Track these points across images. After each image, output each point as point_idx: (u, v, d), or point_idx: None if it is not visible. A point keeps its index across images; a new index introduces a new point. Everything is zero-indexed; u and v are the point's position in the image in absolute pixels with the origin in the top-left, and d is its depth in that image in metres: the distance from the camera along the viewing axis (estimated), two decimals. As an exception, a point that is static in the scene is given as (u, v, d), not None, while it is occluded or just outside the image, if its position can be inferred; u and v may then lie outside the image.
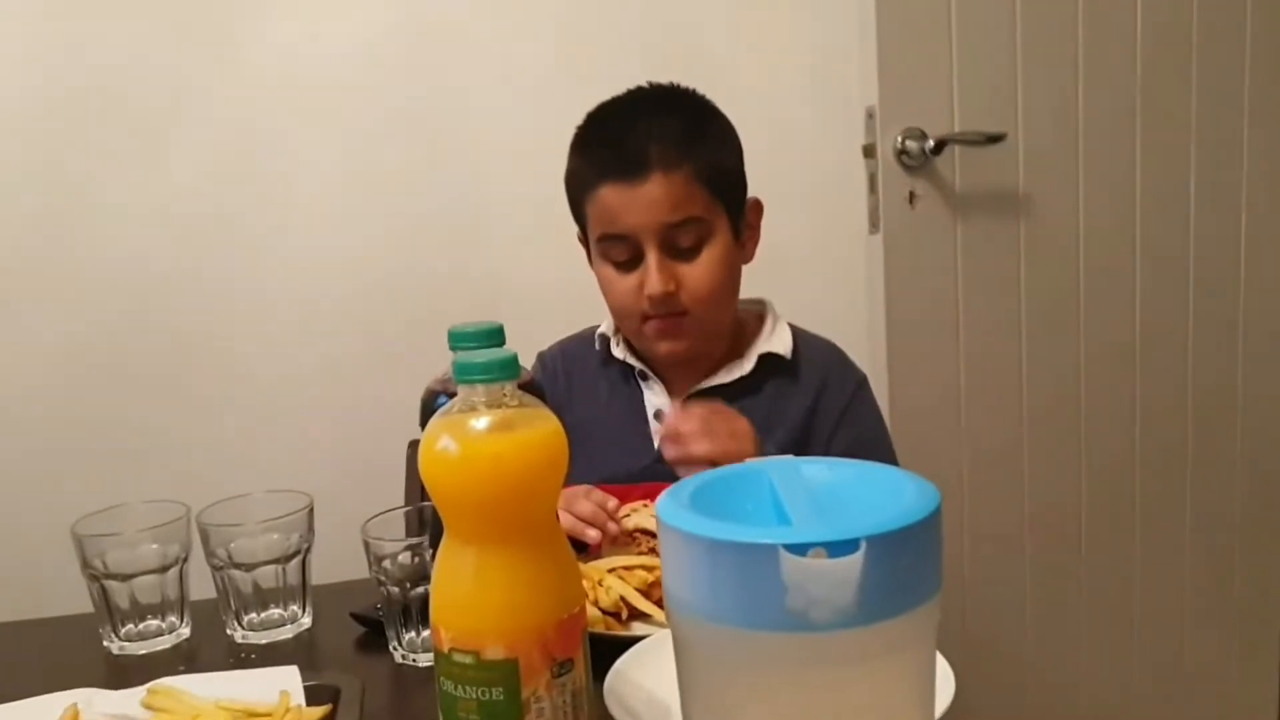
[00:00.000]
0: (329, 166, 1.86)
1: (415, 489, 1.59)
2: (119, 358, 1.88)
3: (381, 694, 0.94)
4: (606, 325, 1.39)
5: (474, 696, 0.72)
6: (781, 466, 0.64)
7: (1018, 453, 2.12)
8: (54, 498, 1.84)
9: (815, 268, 2.00)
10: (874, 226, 1.99)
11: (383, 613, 1.02)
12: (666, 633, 0.95)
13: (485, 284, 1.93)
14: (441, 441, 0.73)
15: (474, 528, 0.73)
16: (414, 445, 1.61)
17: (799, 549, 0.53)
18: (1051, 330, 2.11)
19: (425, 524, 1.03)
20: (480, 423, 0.73)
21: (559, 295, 1.70)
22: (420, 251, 1.92)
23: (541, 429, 0.74)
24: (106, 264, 1.84)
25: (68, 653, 1.07)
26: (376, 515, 1.02)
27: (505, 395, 0.74)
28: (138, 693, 0.87)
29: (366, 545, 1.00)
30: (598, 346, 1.39)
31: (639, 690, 0.83)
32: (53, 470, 1.91)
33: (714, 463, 1.09)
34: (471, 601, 0.73)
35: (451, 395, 0.87)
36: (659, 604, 1.01)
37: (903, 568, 0.56)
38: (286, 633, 1.06)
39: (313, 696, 0.88)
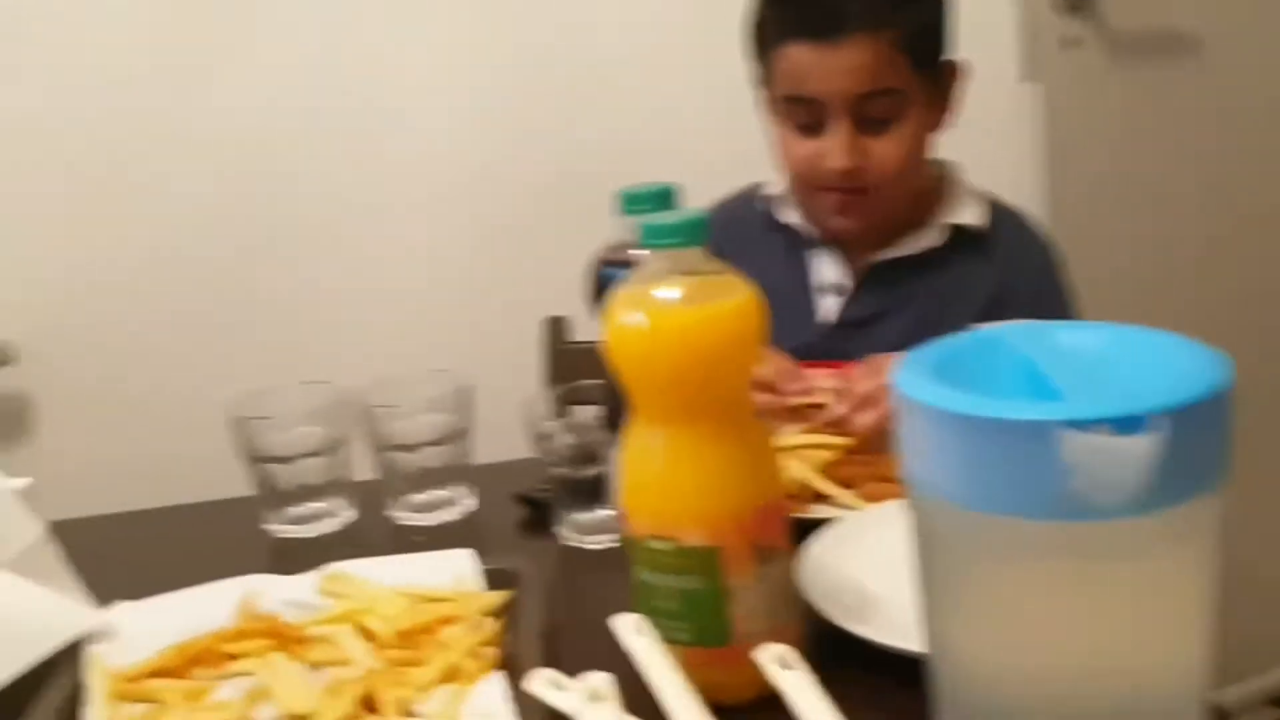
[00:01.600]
0: (458, 27, 1.80)
1: (555, 366, 1.55)
2: (258, 237, 1.88)
3: (551, 578, 0.89)
4: (773, 186, 1.29)
5: (674, 585, 0.67)
6: (1031, 333, 0.56)
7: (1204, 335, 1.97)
8: (203, 379, 1.86)
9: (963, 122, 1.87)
10: (1028, 74, 1.83)
11: (549, 494, 0.98)
12: (861, 516, 0.91)
13: (607, 148, 1.85)
14: (629, 315, 0.67)
15: (666, 407, 0.68)
16: (553, 321, 1.56)
17: (1083, 425, 0.46)
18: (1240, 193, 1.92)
19: (592, 403, 0.98)
20: (671, 293, 0.66)
21: (694, 156, 1.61)
22: (542, 116, 1.85)
23: (738, 297, 0.67)
24: (239, 137, 1.83)
25: (231, 538, 1.06)
26: (538, 394, 0.98)
27: (696, 262, 0.67)
28: (311, 578, 0.85)
29: (530, 425, 0.96)
30: (760, 209, 1.30)
31: (841, 580, 0.78)
32: (201, 350, 1.93)
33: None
34: (666, 486, 0.67)
35: (623, 265, 0.81)
36: (843, 485, 0.95)
37: (1195, 447, 0.48)
38: (450, 514, 1.03)
39: (489, 581, 0.84)
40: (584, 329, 1.57)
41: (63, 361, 1.95)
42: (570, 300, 1.61)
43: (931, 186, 1.24)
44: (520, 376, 1.52)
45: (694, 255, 0.67)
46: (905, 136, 1.14)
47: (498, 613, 0.80)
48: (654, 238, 0.66)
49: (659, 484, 0.67)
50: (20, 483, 0.91)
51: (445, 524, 1.03)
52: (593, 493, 0.95)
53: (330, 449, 1.03)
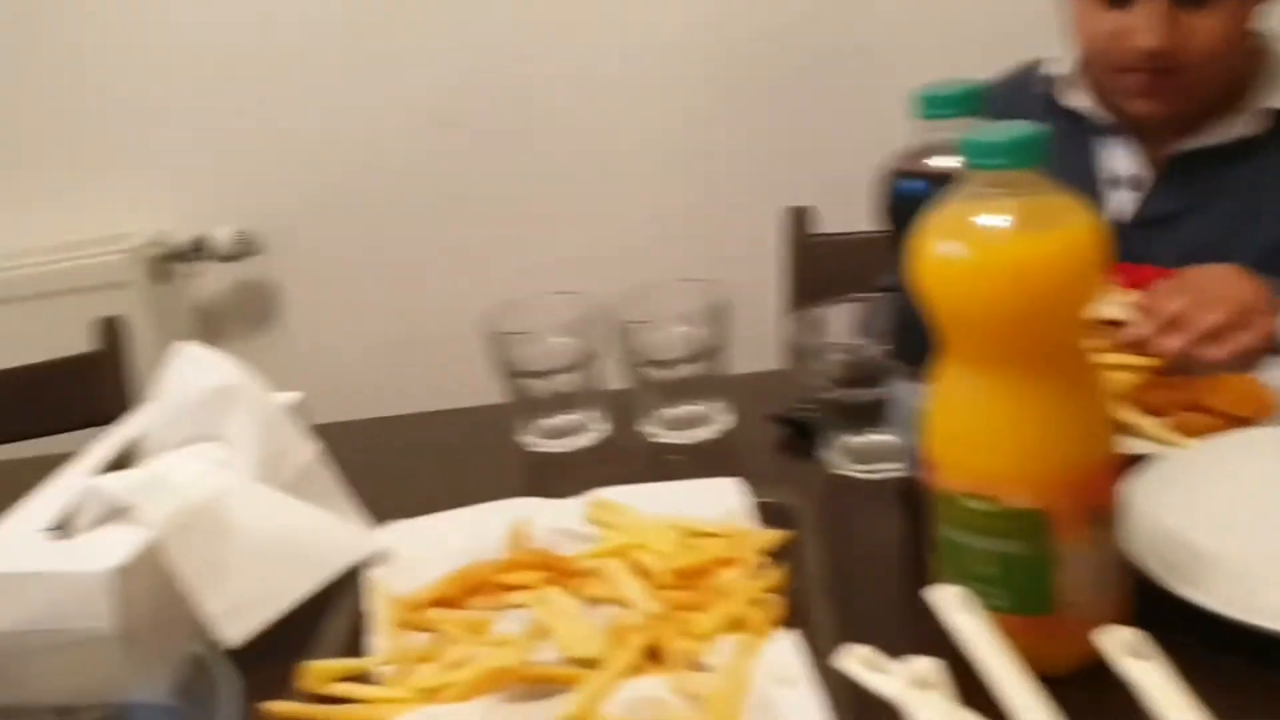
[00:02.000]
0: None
1: (799, 261, 1.47)
2: (507, 135, 1.86)
3: (825, 512, 0.83)
4: (1056, 64, 1.15)
5: (992, 549, 0.60)
6: None
7: None
8: (451, 286, 1.88)
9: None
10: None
11: (812, 415, 0.92)
12: (1185, 455, 0.79)
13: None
14: (946, 244, 0.59)
15: (990, 350, 0.60)
16: (795, 213, 1.48)
17: None
18: None
19: (864, 318, 0.91)
20: (999, 219, 0.58)
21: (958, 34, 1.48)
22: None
23: (1076, 223, 0.58)
24: (484, 32, 1.80)
25: (484, 448, 1.05)
26: (801, 308, 0.91)
27: (1024, 180, 0.58)
28: (577, 505, 0.82)
29: (794, 340, 0.89)
30: (1039, 91, 1.16)
31: (1166, 533, 0.69)
32: (443, 256, 1.95)
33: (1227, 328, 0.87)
34: (987, 439, 0.60)
35: (923, 178, 0.72)
36: (1154, 413, 0.85)
37: None
38: (706, 432, 0.99)
39: (761, 516, 0.80)
40: (827, 221, 1.49)
41: (308, 252, 2.01)
42: (811, 192, 1.54)
43: (1247, 64, 1.08)
44: (762, 274, 1.46)
45: (1027, 177, 0.58)
46: (1230, 14, 0.99)
47: (775, 553, 0.75)
48: (983, 157, 0.58)
49: (978, 436, 0.60)
50: (291, 398, 0.91)
51: (701, 442, 0.98)
52: (866, 415, 0.88)
53: (583, 362, 1.00)
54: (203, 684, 0.65)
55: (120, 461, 0.83)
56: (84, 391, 1.44)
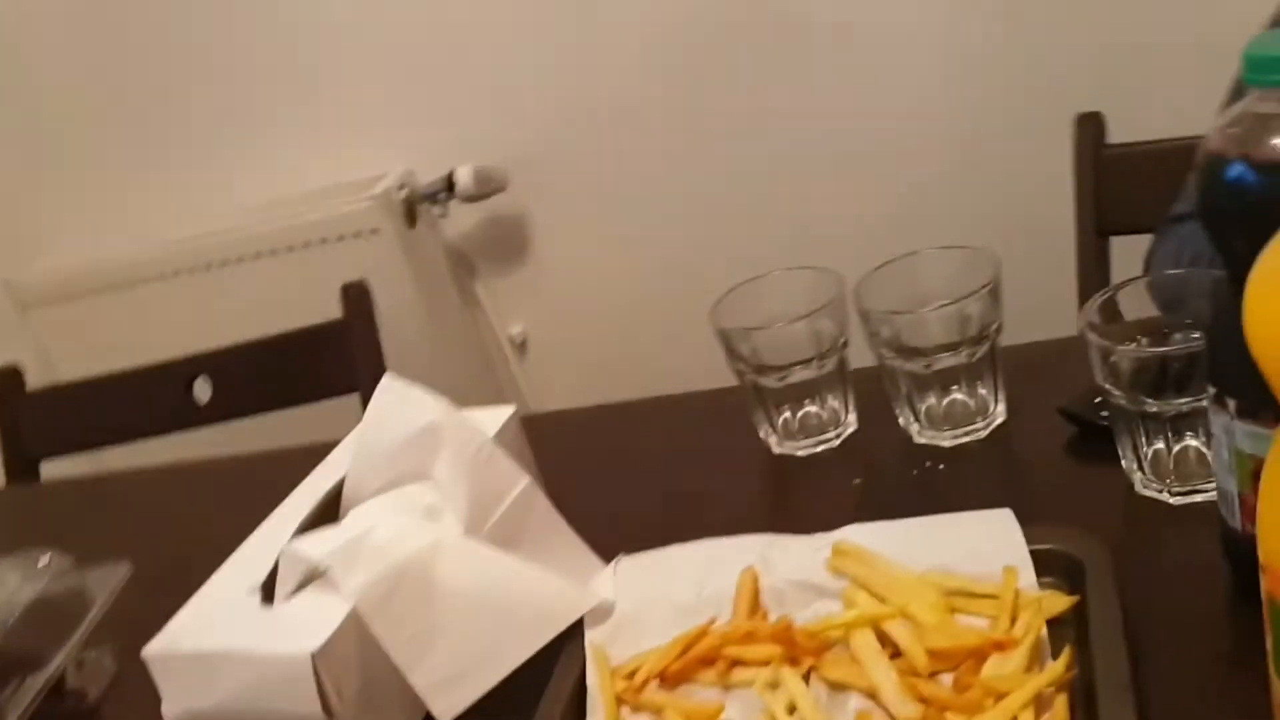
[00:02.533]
0: None
1: (1095, 175, 1.26)
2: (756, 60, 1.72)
3: (1114, 550, 0.66)
4: None
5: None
6: None
7: None
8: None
9: None
10: None
11: (1105, 418, 0.76)
12: None
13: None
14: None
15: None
16: (1086, 119, 1.26)
17: None
18: None
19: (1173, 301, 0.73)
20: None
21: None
22: None
23: None
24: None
25: (722, 443, 0.94)
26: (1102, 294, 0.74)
27: None
28: (821, 548, 0.71)
29: (1088, 337, 0.73)
30: None
31: None
32: (692, 182, 1.85)
33: None
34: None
35: (1256, 164, 0.54)
36: None
37: None
38: (977, 432, 0.84)
39: (1040, 565, 0.66)
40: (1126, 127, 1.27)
41: (553, 187, 1.95)
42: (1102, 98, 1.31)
43: None
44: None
45: None
46: None
47: (1060, 621, 0.62)
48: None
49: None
50: (504, 414, 0.84)
51: (967, 444, 0.84)
52: (1180, 422, 0.71)
53: (826, 353, 0.87)
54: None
55: (328, 507, 0.79)
56: (336, 358, 1.45)
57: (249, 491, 0.95)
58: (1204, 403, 0.62)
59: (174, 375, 1.49)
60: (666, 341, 1.87)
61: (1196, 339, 0.67)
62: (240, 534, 0.80)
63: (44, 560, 0.85)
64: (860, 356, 0.89)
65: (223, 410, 1.49)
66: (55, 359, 2.07)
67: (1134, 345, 0.72)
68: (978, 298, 0.81)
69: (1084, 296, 1.23)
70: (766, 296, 0.89)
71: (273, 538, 0.77)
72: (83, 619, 0.82)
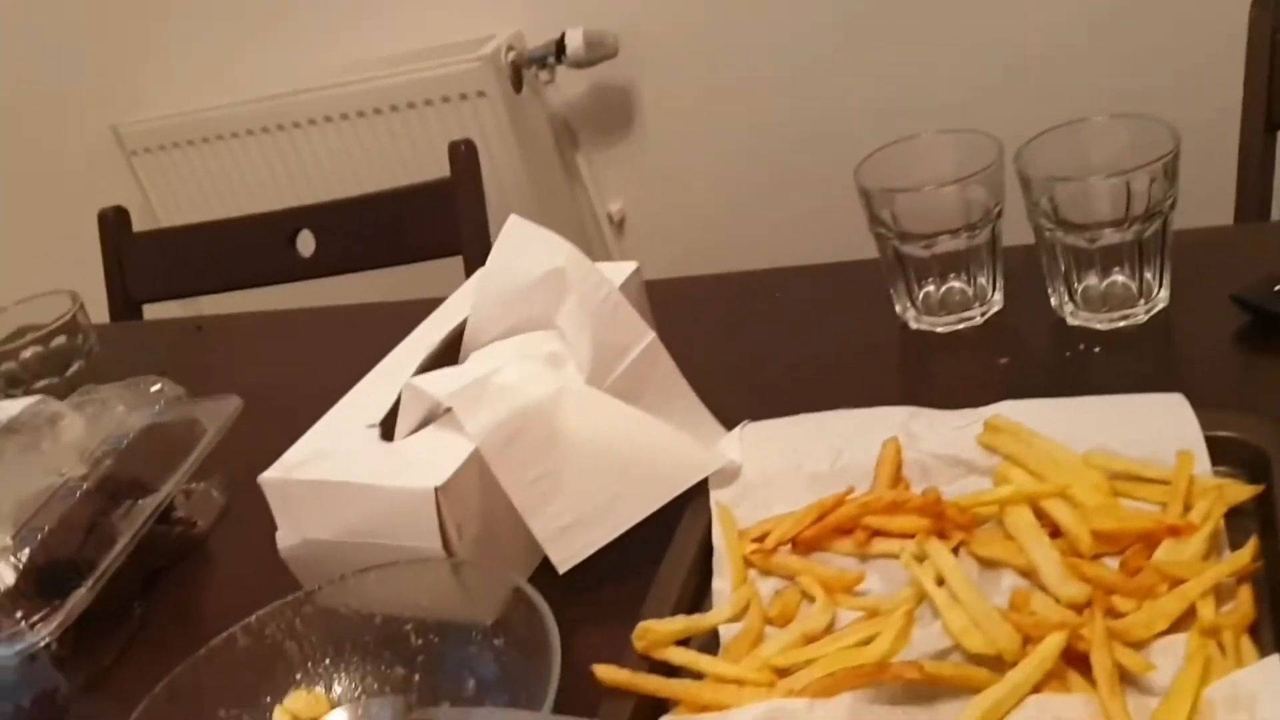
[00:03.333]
0: None
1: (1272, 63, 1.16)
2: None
3: None
4: None
5: None
6: None
7: None
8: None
9: None
10: None
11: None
12: None
13: None
14: None
15: None
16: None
17: None
18: None
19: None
20: None
21: None
22: None
23: None
24: None
25: (855, 319, 0.89)
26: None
27: None
28: (971, 423, 0.67)
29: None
30: None
31: None
32: (812, 58, 1.76)
33: None
34: None
35: None
36: None
37: None
38: (1135, 314, 0.78)
39: (1215, 453, 0.61)
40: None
41: (664, 57, 1.88)
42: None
43: None
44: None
45: None
46: None
47: (1239, 514, 0.57)
48: None
49: None
50: (627, 268, 0.80)
51: (1124, 328, 0.78)
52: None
53: (977, 224, 0.81)
54: (526, 622, 0.58)
55: (450, 346, 0.76)
56: (440, 218, 1.41)
57: (356, 339, 0.93)
58: None
59: (277, 226, 1.47)
60: (774, 229, 1.81)
61: None
62: (349, 379, 0.78)
63: (156, 387, 0.84)
64: (1011, 233, 0.83)
65: (324, 265, 1.47)
66: (157, 207, 2.07)
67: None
68: (1151, 170, 0.75)
69: (1242, 193, 1.15)
70: (916, 159, 0.83)
71: (391, 376, 0.75)
72: (194, 448, 0.81)
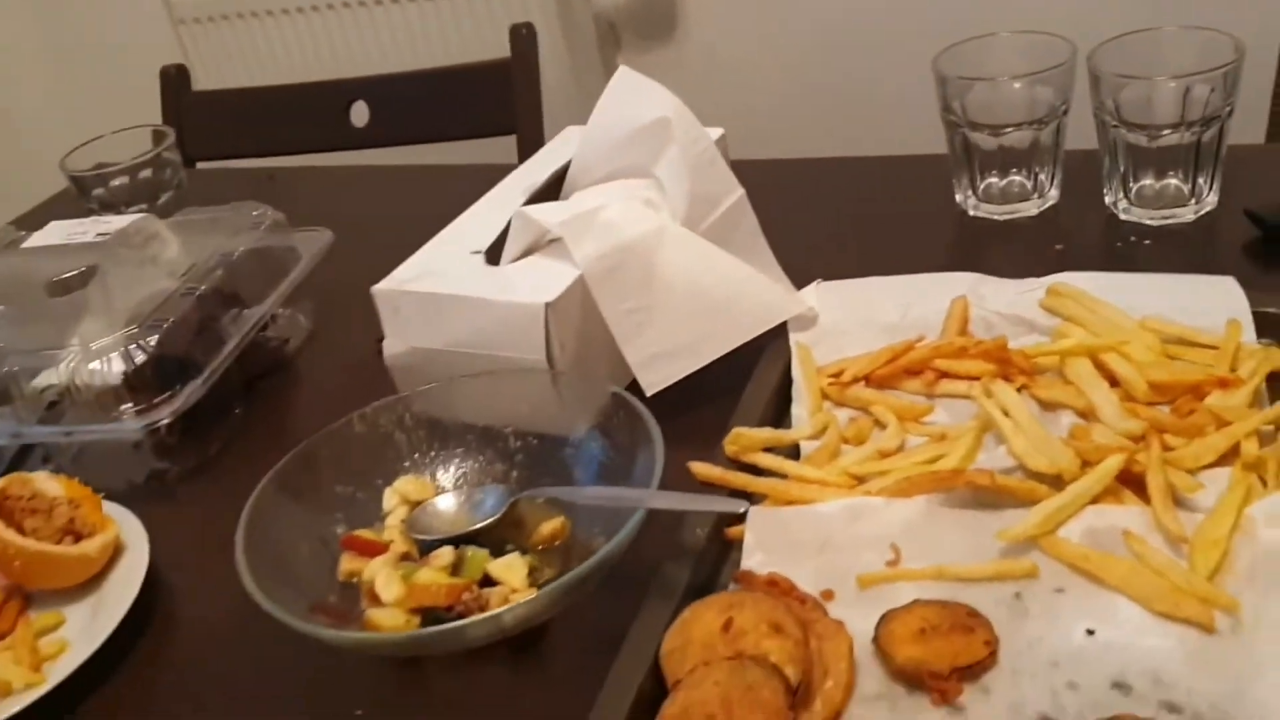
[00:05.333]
0: None
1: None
2: None
3: None
4: None
5: None
6: None
7: None
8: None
9: None
10: None
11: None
12: None
13: None
14: None
15: None
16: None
17: None
18: None
19: None
20: None
21: None
22: None
23: None
24: None
25: (919, 205, 0.95)
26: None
27: None
28: (1034, 289, 0.72)
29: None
30: None
31: None
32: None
33: None
34: None
35: None
36: None
37: None
38: (1183, 214, 0.84)
39: (1265, 327, 0.67)
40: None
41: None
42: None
43: None
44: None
45: None
46: None
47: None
48: None
49: None
50: (715, 133, 0.85)
51: (1169, 225, 0.84)
52: None
53: (1044, 119, 0.86)
54: (626, 426, 0.63)
55: (551, 188, 0.81)
56: (495, 98, 1.45)
57: (427, 195, 0.97)
58: None
59: (333, 95, 1.51)
60: (812, 140, 1.84)
61: None
62: (429, 225, 0.82)
63: (257, 212, 0.89)
64: (1074, 138, 0.88)
65: (378, 135, 1.50)
66: (203, 80, 2.09)
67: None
68: (1211, 78, 0.80)
69: (1276, 120, 1.20)
70: (990, 56, 0.88)
71: (493, 211, 0.80)
72: (291, 269, 0.86)
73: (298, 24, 2.01)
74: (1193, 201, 0.84)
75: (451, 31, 1.93)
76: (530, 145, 1.33)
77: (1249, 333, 0.66)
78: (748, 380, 0.71)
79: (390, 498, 0.66)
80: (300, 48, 2.03)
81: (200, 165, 1.54)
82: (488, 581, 0.60)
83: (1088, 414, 0.63)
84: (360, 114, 1.51)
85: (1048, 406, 0.64)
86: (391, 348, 0.74)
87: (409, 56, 1.96)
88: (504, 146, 1.41)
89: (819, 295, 0.77)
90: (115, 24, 2.07)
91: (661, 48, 2.01)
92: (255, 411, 0.84)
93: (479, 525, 0.63)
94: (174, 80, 1.52)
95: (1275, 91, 1.20)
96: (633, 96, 0.79)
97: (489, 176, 0.88)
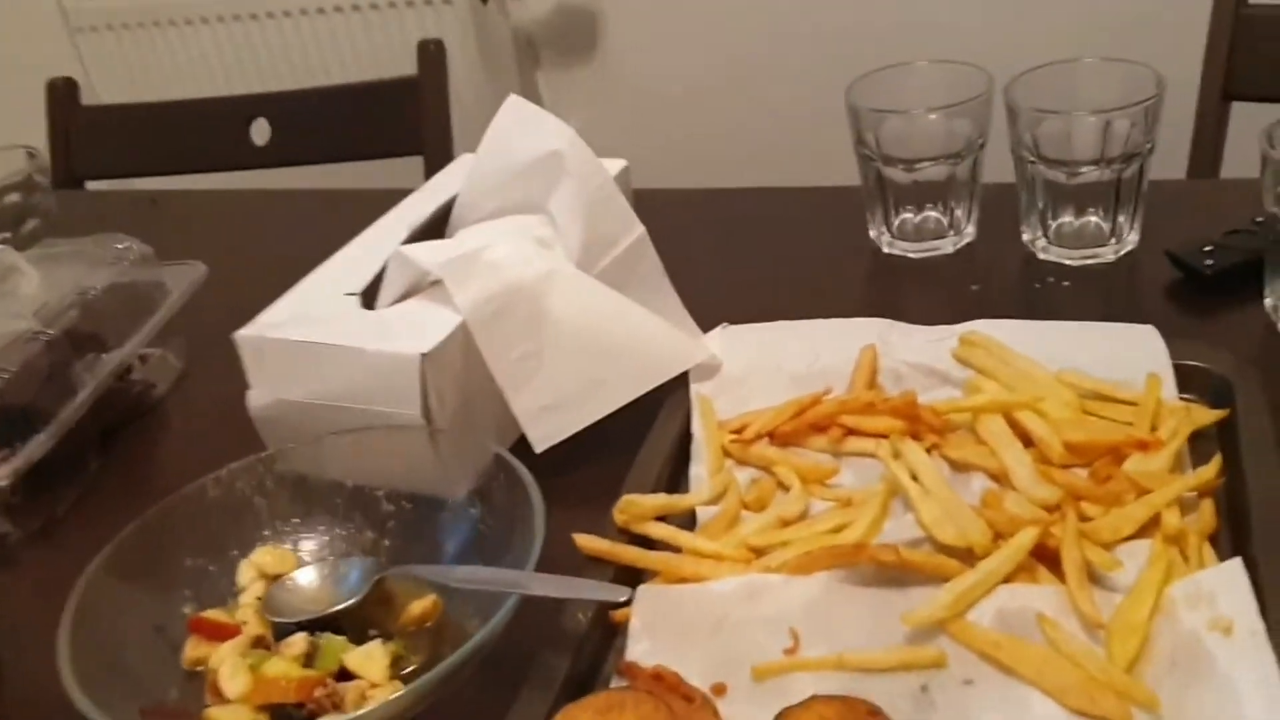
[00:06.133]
0: None
1: (1233, 35, 1.19)
2: None
3: (1261, 377, 0.64)
4: None
5: None
6: None
7: None
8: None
9: None
10: None
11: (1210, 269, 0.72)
12: None
13: None
14: None
15: None
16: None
17: None
18: None
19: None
20: None
21: None
22: None
23: None
24: None
25: (829, 241, 0.90)
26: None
27: None
28: (946, 338, 0.68)
29: (1268, 154, 0.69)
30: None
31: None
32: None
33: None
34: None
35: None
36: None
37: None
38: (1104, 254, 0.81)
39: (1182, 381, 0.63)
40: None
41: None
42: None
43: None
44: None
45: None
46: None
47: (1201, 436, 0.59)
48: None
49: None
50: (616, 165, 0.80)
51: (1093, 265, 0.80)
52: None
53: (959, 154, 0.82)
54: (506, 490, 0.58)
55: (436, 223, 0.76)
56: (402, 117, 1.39)
57: (315, 223, 0.91)
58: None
59: (233, 111, 1.43)
60: (730, 161, 1.81)
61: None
62: (311, 258, 0.75)
63: (122, 245, 0.82)
64: (991, 171, 0.85)
65: (279, 155, 1.43)
66: (100, 91, 2.00)
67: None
68: (1132, 113, 0.77)
69: (1195, 159, 1.18)
70: (905, 86, 0.84)
71: (371, 249, 0.74)
72: (157, 309, 0.79)
73: (201, 35, 1.94)
74: (1113, 240, 0.80)
75: (363, 46, 1.87)
76: (437, 168, 1.27)
77: (1170, 387, 0.62)
78: (646, 433, 0.66)
79: (246, 571, 0.60)
80: (204, 59, 1.95)
81: (90, 185, 1.46)
82: (346, 674, 0.54)
83: (1000, 477, 0.58)
84: (261, 131, 1.44)
85: (959, 468, 0.60)
86: (257, 399, 0.68)
87: (320, 72, 1.89)
88: (413, 167, 1.35)
89: (724, 341, 0.72)
90: (4, 31, 1.97)
91: (582, 65, 1.96)
92: (113, 465, 0.77)
93: (341, 606, 0.57)
94: (61, 93, 1.43)
95: (1197, 126, 1.19)
96: (524, 127, 0.73)
97: (391, 202, 0.82)
